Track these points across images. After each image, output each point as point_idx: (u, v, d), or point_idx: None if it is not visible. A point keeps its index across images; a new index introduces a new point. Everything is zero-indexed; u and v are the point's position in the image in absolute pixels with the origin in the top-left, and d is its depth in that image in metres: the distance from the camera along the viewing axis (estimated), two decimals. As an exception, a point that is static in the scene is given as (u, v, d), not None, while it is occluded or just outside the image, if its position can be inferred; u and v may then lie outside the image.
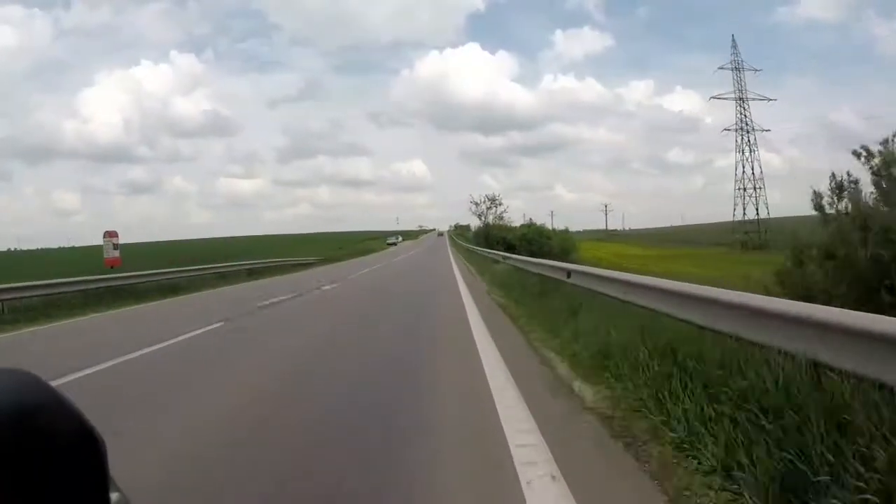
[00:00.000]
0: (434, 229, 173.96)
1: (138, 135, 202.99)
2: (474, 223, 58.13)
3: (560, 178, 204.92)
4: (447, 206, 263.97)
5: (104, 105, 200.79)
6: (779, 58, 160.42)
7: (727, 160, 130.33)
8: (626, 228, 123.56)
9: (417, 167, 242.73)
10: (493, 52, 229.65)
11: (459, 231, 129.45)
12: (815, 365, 3.18)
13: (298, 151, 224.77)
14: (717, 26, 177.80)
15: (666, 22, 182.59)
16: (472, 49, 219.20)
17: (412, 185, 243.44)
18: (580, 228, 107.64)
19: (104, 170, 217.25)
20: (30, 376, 0.48)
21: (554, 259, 18.93)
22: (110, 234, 24.25)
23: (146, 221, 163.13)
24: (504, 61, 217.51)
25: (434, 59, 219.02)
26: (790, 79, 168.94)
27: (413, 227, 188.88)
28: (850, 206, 14.55)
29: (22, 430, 0.44)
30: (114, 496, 0.50)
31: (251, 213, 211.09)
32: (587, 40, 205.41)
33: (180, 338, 8.49)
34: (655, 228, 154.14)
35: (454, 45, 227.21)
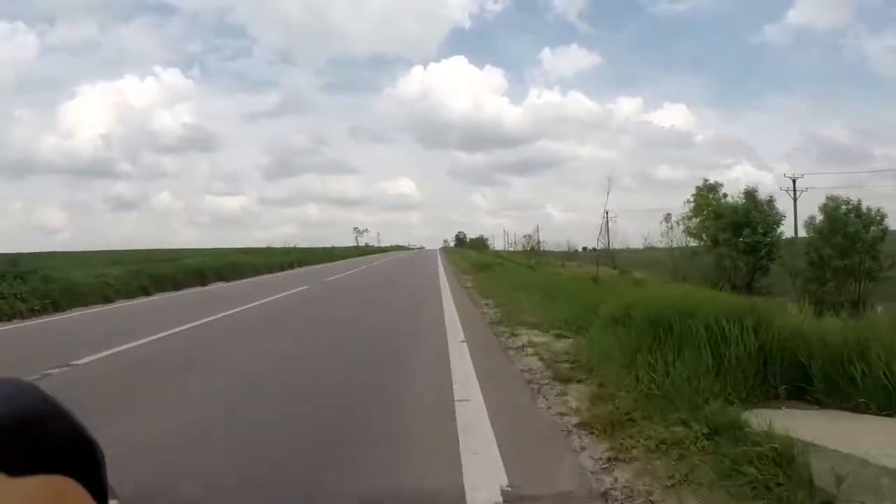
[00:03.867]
0: (422, 247, 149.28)
1: (124, 152, 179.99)
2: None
3: (551, 196, 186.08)
4: (437, 225, 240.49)
5: (88, 120, 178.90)
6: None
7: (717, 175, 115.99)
8: (627, 247, 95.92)
9: (406, 185, 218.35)
10: (481, 68, 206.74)
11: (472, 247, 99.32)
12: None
13: (285, 169, 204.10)
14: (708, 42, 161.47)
15: (653, 38, 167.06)
16: (460, 65, 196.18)
17: (401, 203, 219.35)
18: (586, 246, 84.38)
19: (89, 186, 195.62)
20: (27, 385, 0.48)
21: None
22: None
23: (131, 241, 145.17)
24: (493, 77, 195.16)
25: (426, 75, 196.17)
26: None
27: (403, 242, 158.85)
28: None
29: (19, 439, 0.44)
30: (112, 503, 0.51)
31: (239, 231, 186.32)
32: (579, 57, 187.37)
33: None
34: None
35: (438, 60, 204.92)
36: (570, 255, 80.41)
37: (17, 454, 0.43)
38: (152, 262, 30.98)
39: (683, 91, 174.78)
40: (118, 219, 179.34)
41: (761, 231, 32.41)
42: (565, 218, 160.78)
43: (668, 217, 45.52)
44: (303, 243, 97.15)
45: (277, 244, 71.64)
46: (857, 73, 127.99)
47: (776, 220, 33.11)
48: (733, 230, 32.63)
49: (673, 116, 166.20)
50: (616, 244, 66.83)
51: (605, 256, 67.89)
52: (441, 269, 30.48)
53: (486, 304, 12.44)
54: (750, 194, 33.61)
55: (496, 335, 8.49)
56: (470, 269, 29.79)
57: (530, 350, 7.19)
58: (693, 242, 40.53)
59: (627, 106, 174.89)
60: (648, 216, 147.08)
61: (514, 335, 8.36)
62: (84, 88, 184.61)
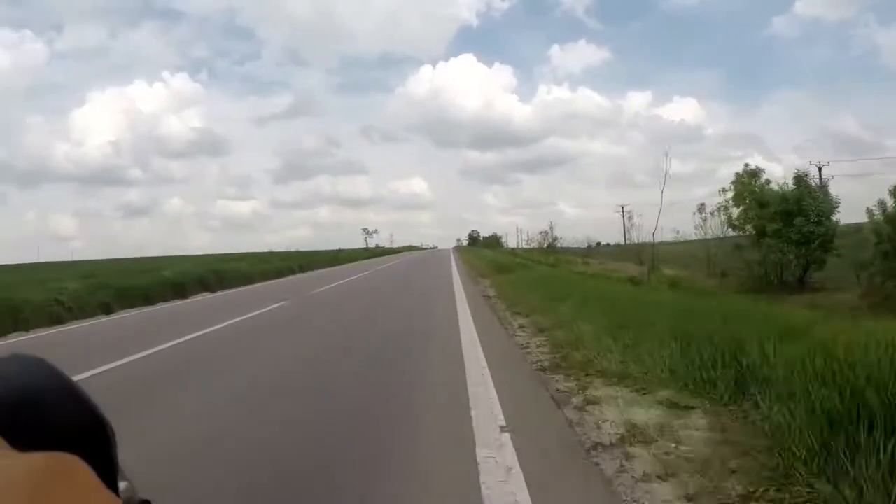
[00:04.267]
0: (435, 246, 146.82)
1: (134, 158, 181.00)
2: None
3: (563, 193, 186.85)
4: (450, 225, 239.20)
5: (97, 127, 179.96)
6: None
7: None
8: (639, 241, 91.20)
9: (418, 185, 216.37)
10: (489, 66, 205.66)
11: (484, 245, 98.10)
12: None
13: (296, 172, 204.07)
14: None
15: (661, 32, 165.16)
16: (469, 63, 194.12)
17: (413, 203, 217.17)
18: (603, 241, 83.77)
19: (100, 193, 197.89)
20: (41, 362, 0.48)
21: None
22: None
23: (144, 248, 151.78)
24: (502, 75, 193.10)
25: (435, 74, 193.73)
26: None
27: (416, 242, 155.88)
28: None
29: (30, 417, 0.44)
30: (122, 485, 0.50)
31: (251, 235, 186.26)
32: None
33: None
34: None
35: (447, 59, 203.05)
36: (590, 252, 76.34)
37: (26, 430, 0.43)
38: (141, 272, 27.92)
39: (693, 85, 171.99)
40: (130, 226, 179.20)
41: (814, 220, 28.57)
42: (578, 214, 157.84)
43: (701, 207, 41.75)
44: (314, 246, 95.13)
45: (289, 247, 69.40)
46: (867, 65, 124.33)
47: (831, 207, 29.18)
48: (783, 220, 28.74)
49: (683, 110, 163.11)
50: (637, 239, 63.15)
51: (631, 252, 64.07)
52: (455, 272, 26.81)
53: (522, 329, 8.70)
54: (801, 179, 29.70)
55: (558, 403, 4.79)
56: (487, 270, 26.08)
57: (642, 451, 3.56)
58: (731, 234, 36.90)
59: (637, 101, 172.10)
60: (664, 210, 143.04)
61: (590, 402, 4.65)
62: (93, 95, 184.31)
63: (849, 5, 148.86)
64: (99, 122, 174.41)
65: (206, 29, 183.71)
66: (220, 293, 21.64)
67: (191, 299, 19.80)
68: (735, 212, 33.47)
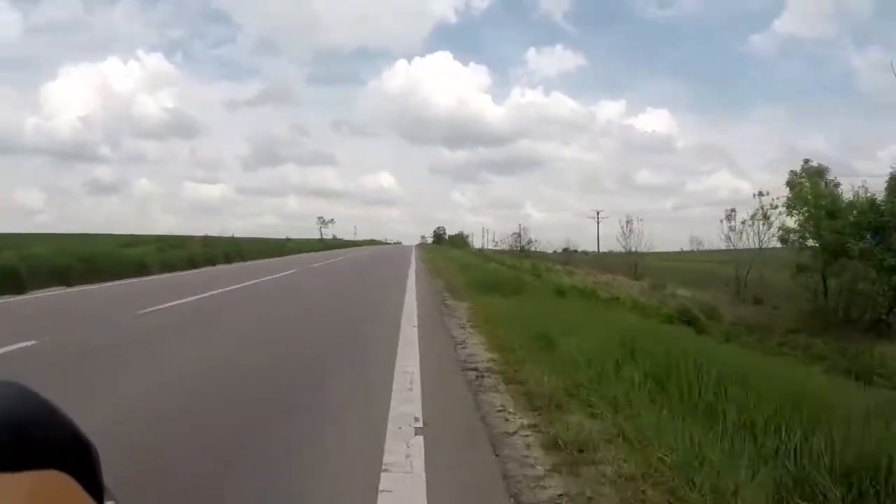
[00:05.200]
0: (399, 242, 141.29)
1: (105, 135, 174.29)
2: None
3: (532, 196, 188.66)
4: (418, 221, 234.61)
5: (69, 102, 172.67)
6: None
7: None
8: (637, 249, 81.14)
9: (387, 180, 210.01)
10: (465, 64, 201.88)
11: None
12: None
13: (265, 159, 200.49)
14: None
15: (637, 42, 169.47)
16: (445, 61, 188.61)
17: (382, 198, 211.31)
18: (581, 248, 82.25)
19: (69, 168, 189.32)
20: (21, 388, 0.49)
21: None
22: None
23: (113, 224, 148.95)
24: (477, 75, 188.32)
25: (410, 69, 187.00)
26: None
27: (381, 237, 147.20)
28: None
29: (15, 442, 0.45)
30: None
31: (217, 219, 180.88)
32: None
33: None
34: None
35: (423, 55, 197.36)
36: (568, 259, 68.22)
37: (12, 455, 0.44)
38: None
39: (666, 97, 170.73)
40: (98, 203, 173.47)
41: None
42: (545, 218, 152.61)
43: (731, 215, 33.73)
44: (280, 234, 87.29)
45: (257, 233, 61.50)
46: (842, 86, 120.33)
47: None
48: (876, 237, 20.66)
49: (655, 121, 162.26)
50: (634, 249, 55.15)
51: (616, 261, 55.95)
52: (412, 281, 18.12)
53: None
54: (897, 182, 21.72)
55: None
56: (461, 283, 17.18)
57: None
58: (770, 248, 28.99)
59: (610, 109, 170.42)
60: (638, 218, 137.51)
61: None
62: (66, 70, 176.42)
63: (826, 26, 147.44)
64: (70, 98, 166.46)
65: (182, 10, 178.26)
66: (76, 288, 15.57)
67: (27, 295, 13.72)
68: (789, 221, 25.48)
